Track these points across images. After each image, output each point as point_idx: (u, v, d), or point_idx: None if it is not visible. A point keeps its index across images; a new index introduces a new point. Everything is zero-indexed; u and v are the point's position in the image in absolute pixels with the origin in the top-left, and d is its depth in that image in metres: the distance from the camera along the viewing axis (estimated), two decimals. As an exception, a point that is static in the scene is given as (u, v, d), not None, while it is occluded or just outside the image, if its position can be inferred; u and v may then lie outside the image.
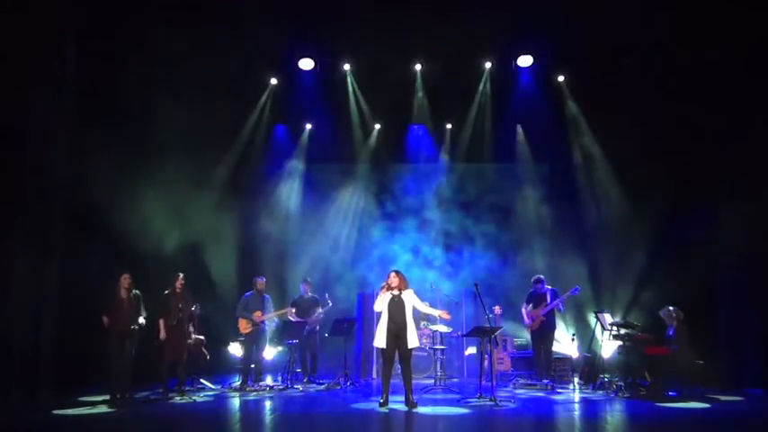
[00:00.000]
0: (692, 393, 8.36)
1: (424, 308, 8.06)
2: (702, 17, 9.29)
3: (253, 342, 9.42)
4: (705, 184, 10.00)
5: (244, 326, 9.42)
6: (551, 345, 9.49)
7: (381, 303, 7.68)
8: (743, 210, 9.42)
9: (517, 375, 9.92)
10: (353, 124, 12.01)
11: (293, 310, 9.77)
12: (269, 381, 9.89)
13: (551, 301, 9.45)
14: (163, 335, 8.40)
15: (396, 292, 7.67)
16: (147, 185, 10.01)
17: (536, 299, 9.62)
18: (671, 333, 8.66)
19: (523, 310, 9.70)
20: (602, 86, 10.79)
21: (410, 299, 7.72)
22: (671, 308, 8.74)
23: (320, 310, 9.98)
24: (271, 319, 9.62)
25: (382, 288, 7.73)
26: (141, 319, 8.29)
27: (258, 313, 9.43)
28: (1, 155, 8.30)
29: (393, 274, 7.77)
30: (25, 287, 8.37)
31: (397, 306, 7.64)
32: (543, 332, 9.46)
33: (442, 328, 9.98)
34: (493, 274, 11.50)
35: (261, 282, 9.62)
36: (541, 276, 9.77)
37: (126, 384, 8.10)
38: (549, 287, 9.66)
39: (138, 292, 8.37)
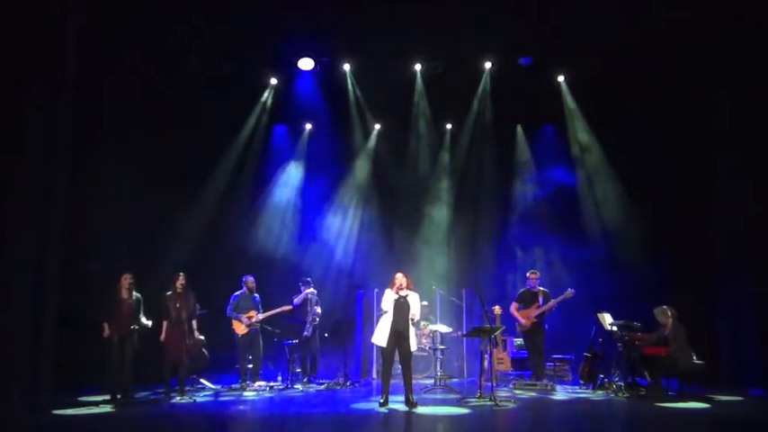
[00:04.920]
0: (691, 393, 8.36)
1: (417, 315, 7.84)
2: (700, 14, 9.32)
3: (249, 342, 9.42)
4: (705, 183, 10.00)
5: (240, 327, 9.42)
6: (543, 344, 9.45)
7: (389, 303, 7.65)
8: (743, 208, 9.44)
9: (517, 375, 9.92)
10: (353, 124, 12.01)
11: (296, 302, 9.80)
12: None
13: (543, 303, 9.42)
14: (163, 336, 8.40)
15: (403, 293, 7.66)
16: (147, 186, 10.03)
17: (527, 298, 9.58)
18: (668, 332, 8.65)
19: (513, 309, 9.57)
20: (602, 86, 10.81)
21: (414, 302, 7.71)
22: (664, 306, 8.72)
23: (318, 309, 9.99)
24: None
25: (391, 287, 7.69)
26: (145, 321, 8.28)
27: (253, 313, 9.43)
28: (1, 155, 8.30)
29: (401, 274, 7.73)
30: (26, 287, 8.37)
31: (402, 307, 7.62)
32: (534, 333, 9.42)
33: (443, 328, 9.99)
34: (493, 273, 11.50)
35: (251, 281, 9.61)
36: (537, 273, 9.74)
37: (126, 384, 8.10)
38: (541, 288, 9.63)
39: (139, 295, 8.37)
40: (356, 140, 12.16)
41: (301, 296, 9.85)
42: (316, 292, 10.06)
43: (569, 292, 9.34)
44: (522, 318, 9.43)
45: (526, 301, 9.55)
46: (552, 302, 9.37)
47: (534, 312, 9.38)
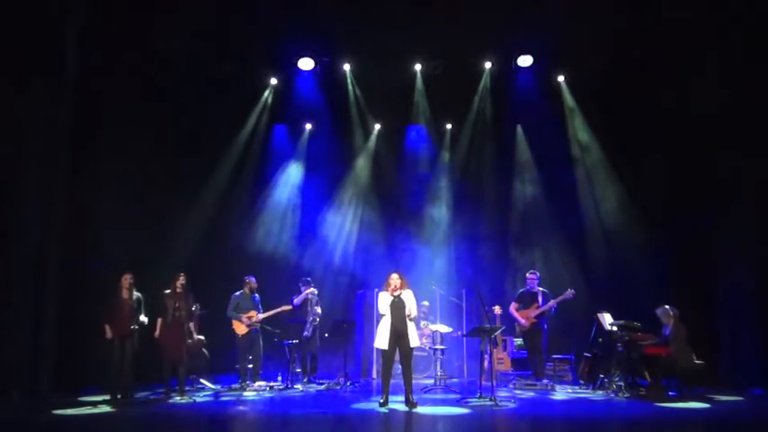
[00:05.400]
0: (692, 393, 8.36)
1: (413, 310, 7.73)
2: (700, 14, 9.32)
3: (249, 342, 9.43)
4: (705, 183, 10.00)
5: (240, 327, 9.42)
6: (542, 345, 9.46)
7: (384, 305, 7.67)
8: (743, 208, 9.44)
9: (517, 375, 9.92)
10: (353, 124, 12.01)
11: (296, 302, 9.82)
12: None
13: (543, 304, 9.42)
14: (157, 333, 8.40)
15: (396, 292, 7.66)
16: (147, 186, 10.03)
17: (526, 299, 9.58)
18: (667, 332, 8.66)
19: (512, 310, 9.60)
20: (602, 86, 10.81)
21: (409, 299, 7.71)
22: (666, 306, 8.73)
23: (318, 309, 9.98)
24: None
25: (386, 289, 7.72)
26: (143, 318, 8.29)
27: (253, 313, 9.43)
28: (1, 155, 8.31)
29: (395, 275, 7.74)
30: (25, 287, 8.38)
31: (397, 307, 7.62)
32: (534, 333, 9.42)
33: (443, 328, 9.98)
34: (493, 273, 11.50)
35: (253, 281, 9.61)
36: (536, 272, 9.75)
37: (126, 384, 8.10)
38: (541, 288, 9.64)
39: (140, 294, 8.37)
40: (356, 140, 12.16)
41: (301, 296, 9.86)
42: (316, 292, 10.05)
43: (569, 292, 9.34)
44: (522, 318, 9.43)
45: (525, 302, 9.55)
46: (552, 303, 9.37)
47: (533, 313, 9.38)
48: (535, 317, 9.36)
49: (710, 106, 9.70)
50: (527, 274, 9.76)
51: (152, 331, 8.43)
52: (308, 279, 10.24)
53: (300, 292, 9.98)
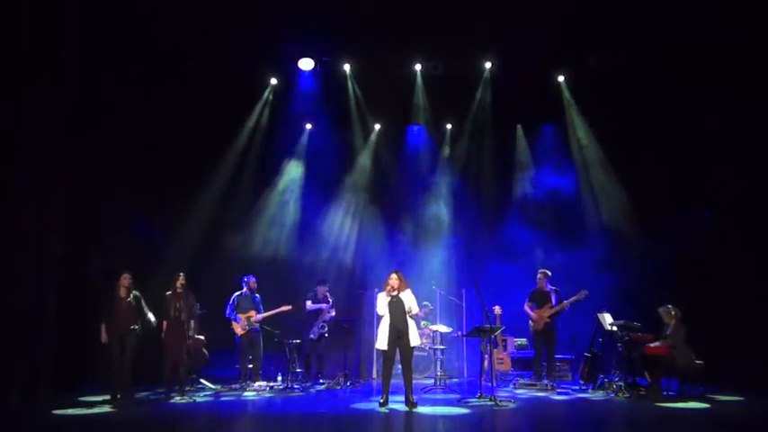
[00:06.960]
0: (691, 393, 8.36)
1: (414, 308, 7.74)
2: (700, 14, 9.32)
3: (249, 342, 9.43)
4: (705, 183, 10.00)
5: (239, 327, 9.42)
6: (554, 345, 9.49)
7: (383, 306, 7.68)
8: (743, 207, 9.44)
9: (517, 375, 9.92)
10: (353, 124, 12.02)
11: (309, 303, 9.85)
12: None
13: (556, 303, 9.43)
14: (163, 335, 8.42)
15: (394, 293, 7.66)
16: (147, 186, 10.03)
17: (539, 298, 9.60)
18: (668, 332, 8.66)
19: (527, 308, 9.67)
20: (602, 86, 10.81)
21: (408, 299, 7.70)
22: (669, 306, 8.74)
23: (333, 312, 9.98)
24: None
25: (385, 289, 7.72)
26: (151, 316, 8.32)
27: (252, 313, 9.43)
28: (2, 155, 8.31)
29: (394, 275, 7.75)
30: (25, 287, 8.38)
31: (397, 306, 7.63)
32: (547, 333, 9.45)
33: (442, 328, 9.98)
34: (493, 273, 11.50)
35: (253, 281, 9.61)
36: (548, 272, 9.75)
37: (126, 384, 8.10)
38: (553, 288, 9.65)
39: (137, 293, 8.37)
40: (356, 140, 12.16)
41: (316, 306, 9.82)
42: (332, 301, 10.03)
43: (582, 293, 9.35)
44: (536, 317, 9.44)
45: (538, 301, 9.57)
46: (565, 303, 9.39)
47: (548, 312, 9.41)
48: (549, 317, 9.38)
49: (711, 105, 9.69)
50: (538, 274, 9.76)
51: (158, 332, 8.46)
52: (324, 278, 10.22)
53: (315, 291, 9.98)
